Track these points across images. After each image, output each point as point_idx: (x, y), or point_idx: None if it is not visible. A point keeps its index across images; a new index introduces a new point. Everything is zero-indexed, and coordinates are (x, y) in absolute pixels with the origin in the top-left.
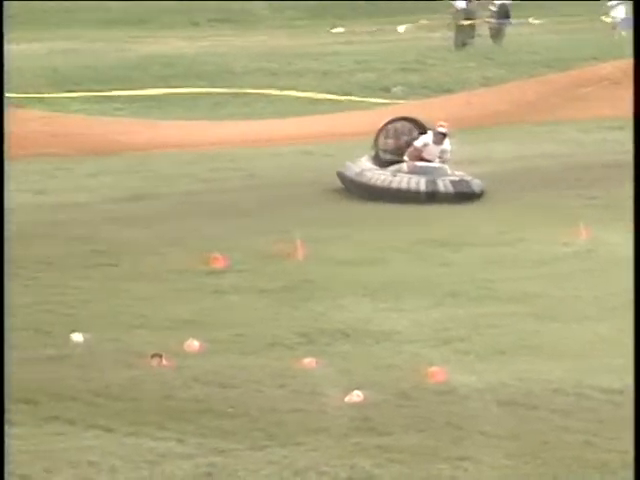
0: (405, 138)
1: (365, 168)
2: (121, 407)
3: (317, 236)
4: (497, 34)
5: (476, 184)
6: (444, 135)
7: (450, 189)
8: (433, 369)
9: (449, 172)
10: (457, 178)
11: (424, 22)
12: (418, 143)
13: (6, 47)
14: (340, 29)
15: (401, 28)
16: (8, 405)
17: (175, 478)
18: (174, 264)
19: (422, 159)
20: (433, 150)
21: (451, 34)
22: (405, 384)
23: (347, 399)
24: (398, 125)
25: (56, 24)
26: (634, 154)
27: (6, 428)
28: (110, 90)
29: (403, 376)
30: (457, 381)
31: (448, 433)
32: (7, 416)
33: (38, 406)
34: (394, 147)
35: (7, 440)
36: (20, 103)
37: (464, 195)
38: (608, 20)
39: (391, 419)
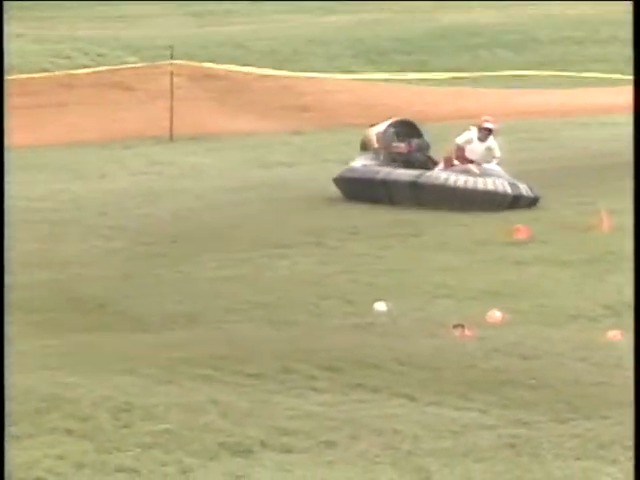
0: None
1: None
2: (424, 376)
3: (623, 208)
4: None
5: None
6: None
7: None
8: None
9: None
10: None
11: None
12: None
13: (310, 20)
14: None
15: None
16: (314, 372)
17: (478, 449)
18: (477, 235)
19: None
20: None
21: None
22: None
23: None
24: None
25: None
26: (634, 154)
27: (312, 395)
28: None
29: None
30: None
31: None
32: (313, 383)
33: (343, 374)
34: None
35: (313, 407)
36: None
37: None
38: None
39: None
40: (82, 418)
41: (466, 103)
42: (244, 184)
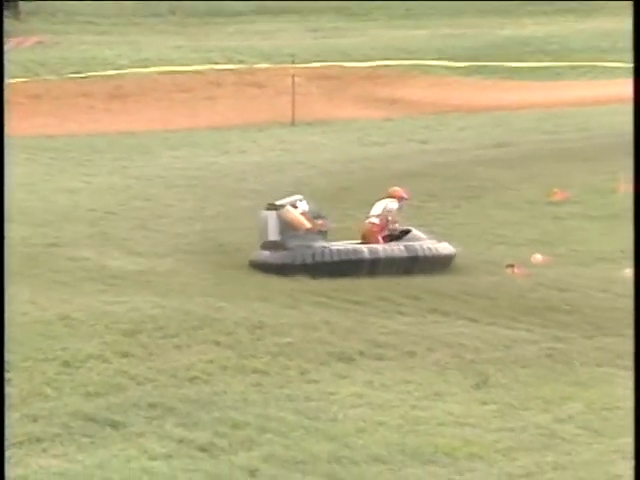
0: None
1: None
2: (484, 304)
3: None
4: None
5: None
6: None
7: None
8: None
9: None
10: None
11: None
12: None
13: (385, 34)
14: None
15: None
16: (401, 300)
17: (524, 358)
18: (526, 196)
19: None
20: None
21: None
22: None
23: None
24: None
25: (437, 15)
26: (634, 154)
27: (399, 317)
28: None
29: None
30: None
31: None
32: (400, 308)
33: (422, 301)
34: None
35: (400, 326)
36: (407, 72)
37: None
38: None
39: None
40: (227, 333)
41: (515, 95)
42: (348, 158)
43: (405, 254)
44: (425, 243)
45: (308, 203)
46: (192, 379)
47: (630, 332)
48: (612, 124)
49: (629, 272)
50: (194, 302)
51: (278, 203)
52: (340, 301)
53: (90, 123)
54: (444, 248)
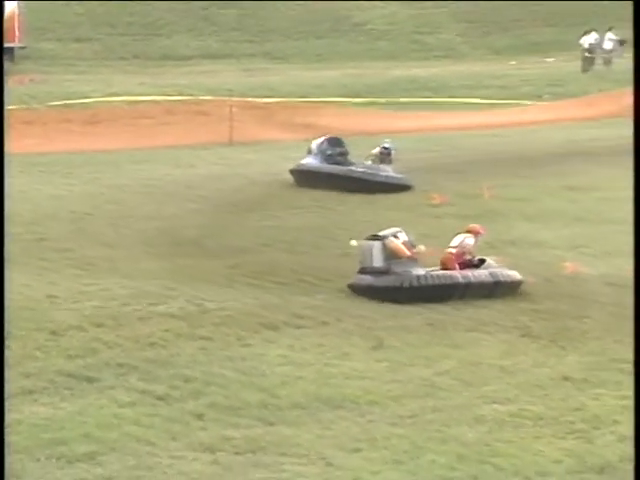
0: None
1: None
2: None
3: (501, 183)
4: (608, 63)
5: None
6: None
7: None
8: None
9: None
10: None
11: (563, 56)
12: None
13: (303, 73)
14: (513, 62)
15: (550, 60)
16: (314, 281)
17: (410, 326)
18: (412, 200)
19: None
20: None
21: (579, 63)
22: (549, 273)
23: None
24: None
25: (343, 58)
26: (634, 154)
27: (315, 295)
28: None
29: (547, 268)
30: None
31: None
32: (314, 288)
33: (333, 282)
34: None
35: (317, 302)
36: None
37: None
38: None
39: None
40: (179, 308)
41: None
42: (274, 171)
43: (490, 279)
44: (502, 270)
45: (407, 234)
46: (152, 344)
47: (493, 305)
48: (477, 145)
49: (494, 259)
50: (153, 284)
51: (381, 234)
52: (268, 282)
53: (71, 143)
54: (515, 275)
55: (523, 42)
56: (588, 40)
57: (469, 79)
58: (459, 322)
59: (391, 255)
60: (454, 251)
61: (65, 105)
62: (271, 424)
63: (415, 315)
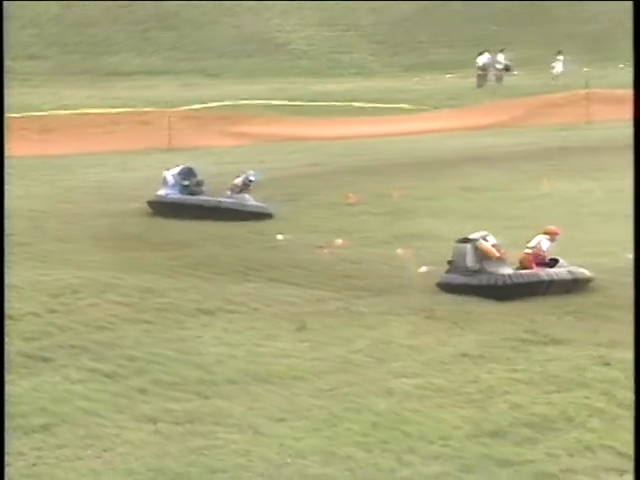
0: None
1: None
2: (303, 273)
3: (408, 184)
4: (499, 79)
5: None
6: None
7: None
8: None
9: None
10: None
11: (461, 73)
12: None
13: (234, 88)
14: (417, 78)
15: (448, 76)
16: (246, 271)
17: (329, 310)
18: (330, 199)
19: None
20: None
21: (474, 79)
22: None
23: (420, 270)
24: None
25: (269, 75)
26: (634, 154)
27: (246, 284)
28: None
29: (444, 258)
30: None
31: None
32: (246, 277)
33: (262, 272)
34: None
35: (249, 290)
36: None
37: None
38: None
39: None
40: (124, 295)
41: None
42: (209, 174)
43: (569, 277)
44: (576, 268)
45: (495, 237)
46: (100, 327)
47: (400, 292)
48: (390, 150)
49: (400, 251)
50: (102, 274)
51: (471, 237)
52: (205, 272)
53: (28, 149)
54: (588, 272)
55: (426, 61)
56: (482, 60)
57: (379, 93)
58: (371, 306)
59: (482, 256)
60: (530, 252)
61: (22, 116)
62: (207, 397)
63: (334, 300)
